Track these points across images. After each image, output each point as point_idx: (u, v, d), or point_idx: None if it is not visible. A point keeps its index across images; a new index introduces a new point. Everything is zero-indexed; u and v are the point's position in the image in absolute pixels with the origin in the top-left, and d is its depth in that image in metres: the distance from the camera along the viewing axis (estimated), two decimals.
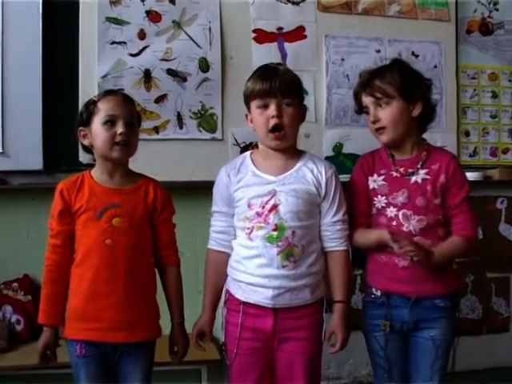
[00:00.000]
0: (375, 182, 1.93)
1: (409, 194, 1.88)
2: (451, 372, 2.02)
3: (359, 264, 2.04)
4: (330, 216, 1.85)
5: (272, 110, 1.78)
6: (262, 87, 1.79)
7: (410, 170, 1.91)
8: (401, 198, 1.88)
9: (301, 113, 1.86)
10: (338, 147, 2.88)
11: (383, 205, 1.90)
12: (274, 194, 1.80)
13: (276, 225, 1.78)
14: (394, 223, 1.88)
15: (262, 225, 1.78)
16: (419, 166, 1.90)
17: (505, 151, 3.15)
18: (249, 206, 1.81)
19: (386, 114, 1.89)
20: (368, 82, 1.93)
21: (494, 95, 3.14)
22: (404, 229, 1.86)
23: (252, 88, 1.82)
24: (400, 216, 1.88)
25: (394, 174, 1.92)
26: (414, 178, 1.90)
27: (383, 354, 1.91)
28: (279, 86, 1.78)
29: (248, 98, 1.85)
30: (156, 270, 1.88)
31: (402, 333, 1.90)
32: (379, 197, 1.92)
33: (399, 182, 1.89)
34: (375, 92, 1.90)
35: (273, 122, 1.78)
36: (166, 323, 1.87)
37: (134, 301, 1.77)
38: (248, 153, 1.93)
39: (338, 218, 1.86)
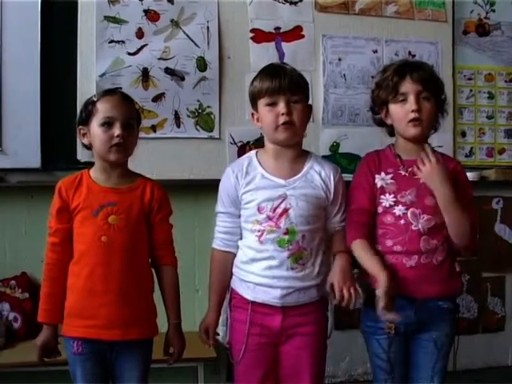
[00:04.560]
0: (383, 180, 1.89)
1: (417, 193, 1.84)
2: (453, 371, 2.03)
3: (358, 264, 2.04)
4: (336, 218, 1.89)
5: (281, 107, 1.78)
6: (271, 85, 1.78)
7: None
8: (410, 197, 1.84)
9: (308, 110, 1.87)
10: (334, 147, 2.90)
11: (391, 203, 1.86)
12: (284, 197, 1.80)
13: (287, 229, 1.78)
14: (402, 222, 1.84)
15: (274, 228, 1.79)
16: None
17: (501, 152, 3.16)
18: (259, 209, 1.81)
19: (427, 107, 1.84)
20: (413, 69, 1.86)
21: (491, 96, 3.14)
22: (412, 227, 1.83)
23: (260, 86, 1.81)
24: (409, 215, 1.84)
25: (403, 173, 1.88)
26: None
27: (385, 357, 1.88)
28: (288, 84, 1.78)
29: (256, 97, 1.84)
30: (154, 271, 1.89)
31: (405, 334, 1.88)
32: (387, 195, 1.87)
33: (408, 181, 1.85)
34: (425, 81, 1.83)
35: (283, 119, 1.78)
36: (162, 322, 1.88)
37: (130, 299, 1.77)
38: (253, 153, 1.91)
39: (342, 218, 1.89)
